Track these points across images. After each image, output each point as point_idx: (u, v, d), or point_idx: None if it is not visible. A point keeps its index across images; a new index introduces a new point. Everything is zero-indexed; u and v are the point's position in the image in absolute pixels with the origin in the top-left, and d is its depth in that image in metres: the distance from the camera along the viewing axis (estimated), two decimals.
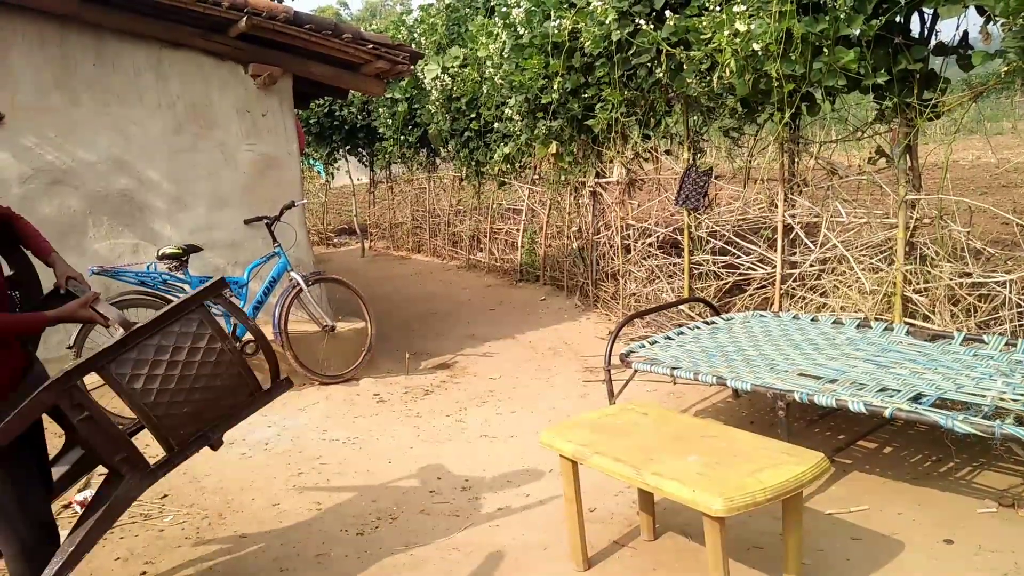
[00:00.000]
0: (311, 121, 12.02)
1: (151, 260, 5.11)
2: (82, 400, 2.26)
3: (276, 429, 4.65)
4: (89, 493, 3.62)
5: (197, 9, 5.00)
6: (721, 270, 5.63)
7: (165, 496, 3.78)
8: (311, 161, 14.29)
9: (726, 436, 2.79)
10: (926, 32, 4.05)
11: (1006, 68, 3.55)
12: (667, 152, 6.50)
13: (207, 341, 2.40)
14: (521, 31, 6.51)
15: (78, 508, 3.57)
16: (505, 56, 6.95)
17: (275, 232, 5.48)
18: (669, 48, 4.81)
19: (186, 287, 5.01)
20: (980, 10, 3.61)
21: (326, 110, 11.99)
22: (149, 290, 4.87)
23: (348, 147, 12.93)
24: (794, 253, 5.06)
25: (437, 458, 4.13)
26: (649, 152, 6.42)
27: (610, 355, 4.28)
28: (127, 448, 2.38)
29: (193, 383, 2.39)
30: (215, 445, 2.51)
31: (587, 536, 2.98)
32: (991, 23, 3.59)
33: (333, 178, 15.41)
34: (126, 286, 4.90)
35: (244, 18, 5.12)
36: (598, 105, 6.07)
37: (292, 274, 5.40)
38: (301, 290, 5.35)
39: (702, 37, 4.39)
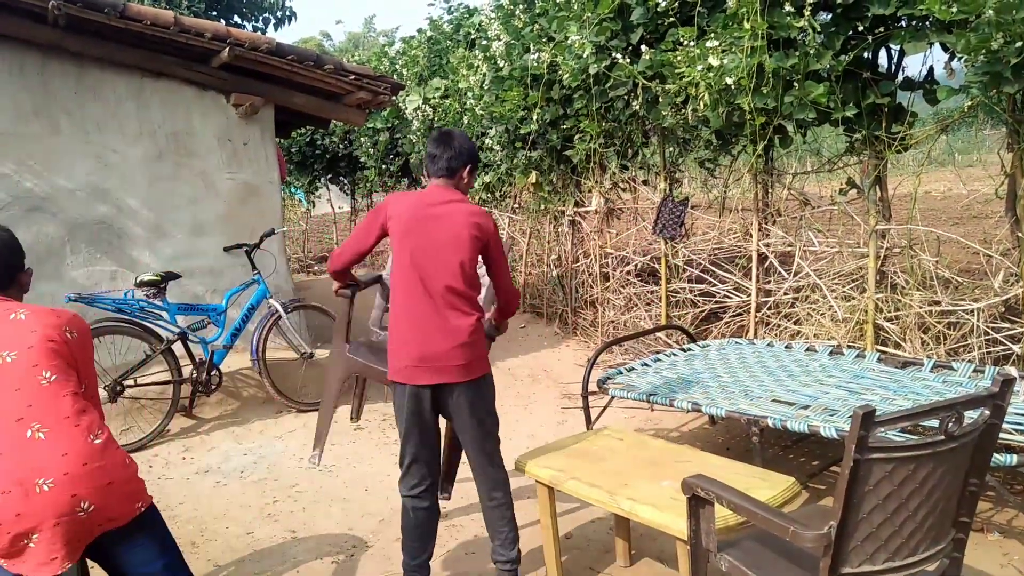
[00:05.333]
0: (293, 150, 12.07)
1: (129, 287, 5.10)
2: None
3: (252, 457, 4.62)
4: None
5: (180, 40, 5.05)
6: (698, 298, 5.69)
7: None
8: (292, 189, 14.31)
9: (700, 461, 2.82)
10: (893, 67, 4.18)
11: (969, 103, 3.67)
12: (644, 182, 6.59)
13: None
14: (501, 64, 6.62)
15: None
16: (485, 88, 7.05)
17: (255, 259, 5.48)
18: (645, 81, 4.91)
19: (164, 314, 4.99)
20: (944, 47, 3.74)
21: (308, 139, 12.05)
22: (126, 317, 4.85)
23: (329, 175, 12.98)
24: (768, 281, 5.14)
25: None
26: (627, 182, 6.51)
27: (587, 382, 4.31)
28: None
29: None
30: None
31: (563, 562, 2.98)
32: (954, 59, 3.72)
33: (314, 206, 15.44)
34: (103, 313, 4.88)
35: (227, 49, 5.17)
36: (576, 136, 6.16)
37: (271, 301, 5.39)
38: (280, 317, 5.35)
39: (677, 71, 4.48)
